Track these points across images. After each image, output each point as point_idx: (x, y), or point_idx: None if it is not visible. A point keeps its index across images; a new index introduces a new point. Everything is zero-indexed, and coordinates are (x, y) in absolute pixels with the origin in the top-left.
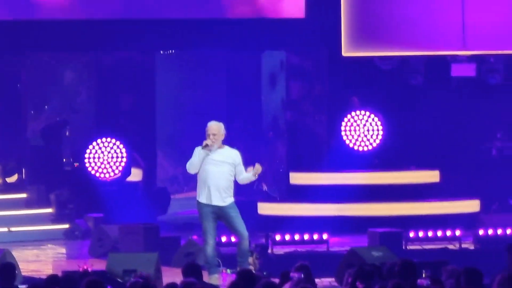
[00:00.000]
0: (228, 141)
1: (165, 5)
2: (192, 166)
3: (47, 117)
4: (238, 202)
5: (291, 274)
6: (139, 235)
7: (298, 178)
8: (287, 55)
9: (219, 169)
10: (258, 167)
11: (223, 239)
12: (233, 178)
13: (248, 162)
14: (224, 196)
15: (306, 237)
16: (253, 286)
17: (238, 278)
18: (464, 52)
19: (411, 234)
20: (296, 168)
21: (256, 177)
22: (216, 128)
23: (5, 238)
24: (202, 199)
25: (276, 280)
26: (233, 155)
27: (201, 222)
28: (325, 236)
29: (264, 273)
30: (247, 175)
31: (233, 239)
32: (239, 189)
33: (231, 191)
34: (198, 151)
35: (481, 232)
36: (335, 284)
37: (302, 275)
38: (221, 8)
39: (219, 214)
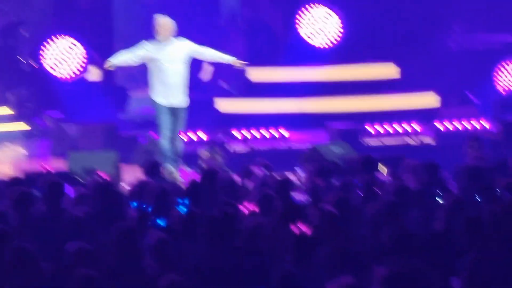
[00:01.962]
0: (187, 38)
1: None
2: (122, 57)
3: (2, 16)
4: (195, 99)
5: (253, 169)
6: (98, 133)
7: (257, 73)
8: None
9: (176, 67)
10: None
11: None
12: (188, 75)
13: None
14: (181, 97)
15: (266, 134)
16: (215, 183)
17: (202, 176)
18: None
19: (370, 130)
20: (254, 64)
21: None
22: (170, 23)
23: None
24: (160, 99)
25: (237, 177)
26: (184, 45)
27: (157, 116)
28: (285, 134)
29: (227, 170)
30: (213, 52)
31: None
32: (197, 85)
33: (187, 90)
34: (145, 47)
35: (440, 126)
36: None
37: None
38: None
39: (173, 111)
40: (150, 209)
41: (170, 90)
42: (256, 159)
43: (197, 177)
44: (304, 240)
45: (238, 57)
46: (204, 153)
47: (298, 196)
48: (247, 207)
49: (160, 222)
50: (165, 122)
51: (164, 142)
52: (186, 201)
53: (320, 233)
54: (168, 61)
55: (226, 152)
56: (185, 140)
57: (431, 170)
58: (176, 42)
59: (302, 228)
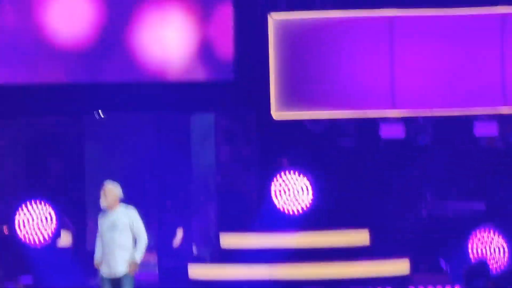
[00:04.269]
0: (161, 205)
1: (93, 69)
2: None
3: None
4: (168, 266)
5: None
6: None
7: (229, 239)
8: (216, 117)
9: (114, 235)
10: (133, 266)
11: None
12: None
13: (178, 223)
14: (121, 265)
15: None
16: None
17: None
18: (393, 112)
19: None
20: (227, 230)
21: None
22: (114, 191)
23: None
24: (103, 268)
25: None
26: (127, 215)
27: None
28: None
29: None
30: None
31: None
32: (169, 251)
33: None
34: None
35: None
36: None
37: None
38: (148, 72)
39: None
40: None
41: (109, 259)
42: None
43: None
44: None
45: (210, 223)
46: None
47: None
48: None
49: None
50: None
51: None
52: None
53: None
54: (108, 229)
55: None
56: None
57: None
58: (120, 210)
59: None
